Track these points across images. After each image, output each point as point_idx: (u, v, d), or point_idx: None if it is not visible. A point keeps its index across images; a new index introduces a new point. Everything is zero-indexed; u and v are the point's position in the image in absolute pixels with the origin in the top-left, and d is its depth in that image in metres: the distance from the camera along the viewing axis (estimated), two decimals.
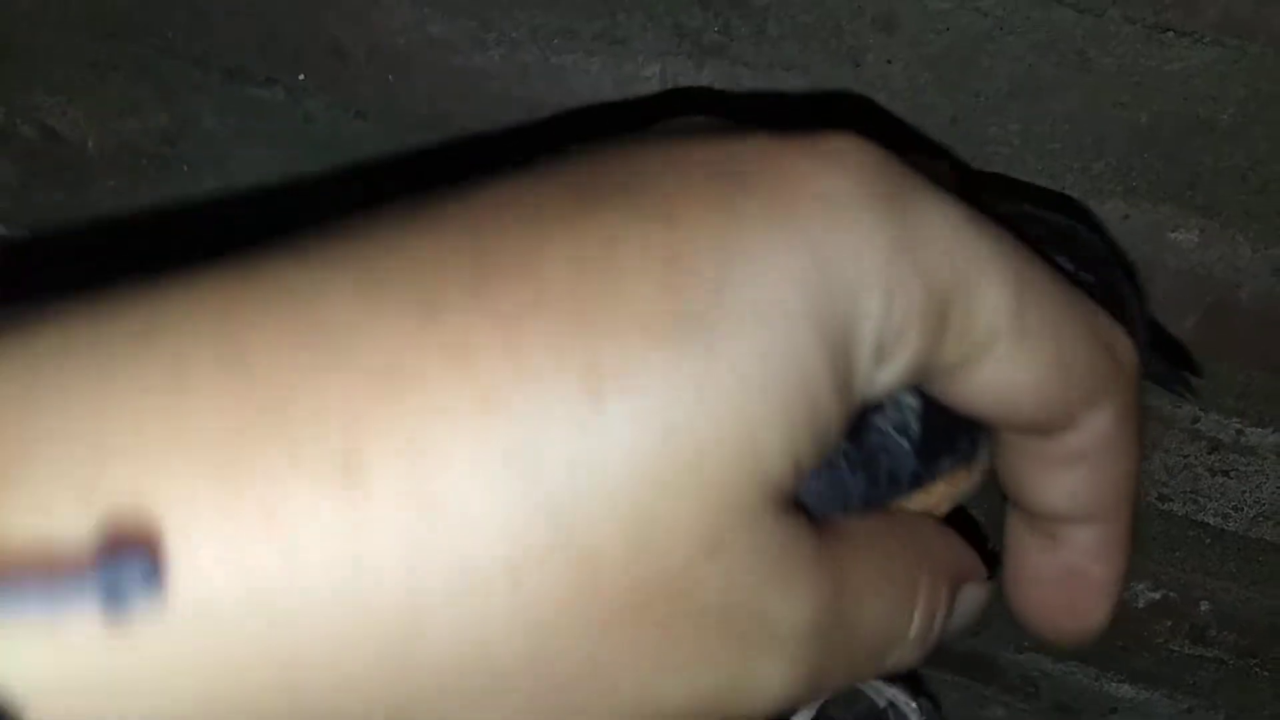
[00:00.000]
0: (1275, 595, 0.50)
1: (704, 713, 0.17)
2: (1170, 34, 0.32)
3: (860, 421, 0.21)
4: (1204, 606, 0.51)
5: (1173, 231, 0.37)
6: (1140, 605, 0.52)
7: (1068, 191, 0.37)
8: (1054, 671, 0.57)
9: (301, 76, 0.40)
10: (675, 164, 0.17)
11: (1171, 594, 0.51)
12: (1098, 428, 0.19)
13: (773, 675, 0.17)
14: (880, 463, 0.21)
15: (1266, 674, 0.53)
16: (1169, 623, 0.52)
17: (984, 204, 0.20)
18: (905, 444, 0.22)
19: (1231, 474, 0.45)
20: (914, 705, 0.38)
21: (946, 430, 0.22)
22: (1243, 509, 0.46)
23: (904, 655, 0.20)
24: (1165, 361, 0.25)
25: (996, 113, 0.36)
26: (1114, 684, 0.57)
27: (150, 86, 0.41)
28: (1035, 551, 0.22)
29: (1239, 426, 0.43)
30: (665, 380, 0.15)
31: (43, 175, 0.44)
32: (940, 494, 0.23)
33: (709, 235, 0.16)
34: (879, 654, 0.19)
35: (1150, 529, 0.48)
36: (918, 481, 0.22)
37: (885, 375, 0.18)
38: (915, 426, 0.22)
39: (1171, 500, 0.47)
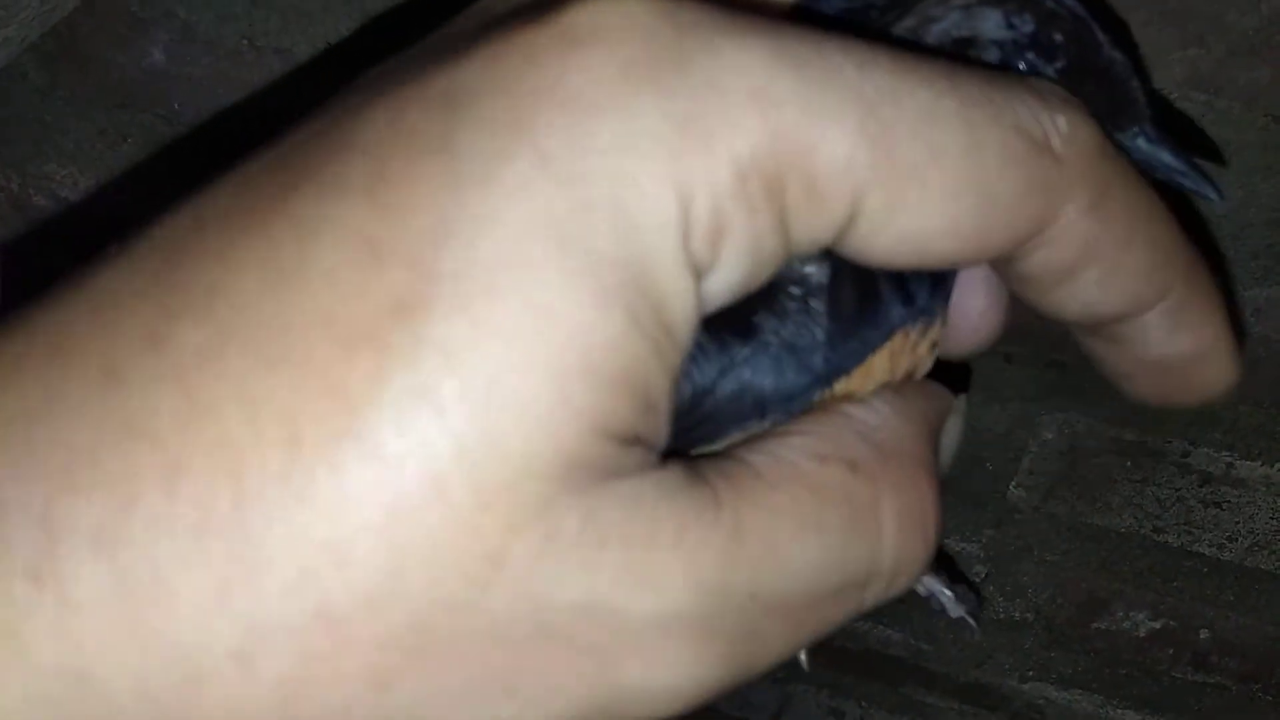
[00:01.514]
0: (1275, 621, 0.50)
1: None
2: None
3: (743, 324, 0.18)
4: (1204, 634, 0.52)
5: None
6: (1141, 634, 0.53)
7: None
8: (1059, 699, 0.58)
9: None
10: (393, 103, 0.14)
11: (1172, 623, 0.52)
12: (1070, 233, 0.16)
13: (665, 672, 0.15)
14: (780, 358, 0.18)
15: (1269, 698, 0.54)
16: (1170, 650, 0.53)
17: None
18: (811, 328, 0.18)
19: (1224, 506, 0.45)
20: (949, 593, 0.32)
21: (866, 297, 0.18)
22: (1237, 539, 0.47)
23: (890, 582, 0.17)
24: (1174, 146, 0.20)
25: None
26: (1119, 711, 0.57)
27: (158, 155, 0.43)
28: (1107, 352, 0.18)
29: (1229, 460, 0.44)
30: (377, 409, 0.13)
31: (55, 242, 0.45)
32: (882, 366, 0.19)
33: (419, 197, 0.13)
34: (839, 600, 0.16)
35: (1146, 560, 0.49)
36: (837, 364, 0.18)
37: (720, 281, 0.15)
38: (820, 306, 0.18)
39: (1166, 532, 0.47)
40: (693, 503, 0.15)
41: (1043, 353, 0.42)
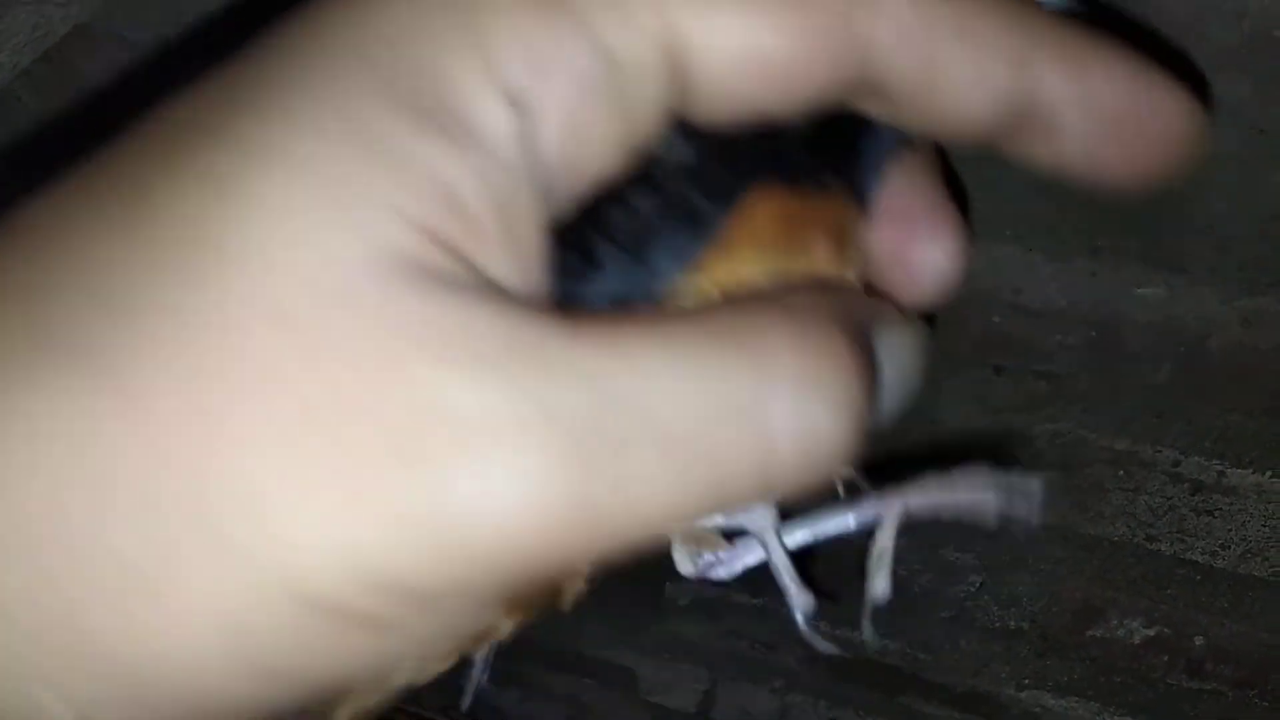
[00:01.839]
0: (1268, 628, 0.50)
1: (441, 547, 0.14)
2: None
3: (621, 205, 0.18)
4: (1198, 641, 0.52)
5: (1139, 288, 0.38)
6: (1136, 642, 0.53)
7: (1034, 251, 0.38)
8: (1055, 707, 0.58)
9: None
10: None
11: (1166, 630, 0.52)
12: (901, 15, 0.16)
13: (503, 478, 0.14)
14: (661, 225, 0.18)
15: (1265, 704, 0.54)
16: (1165, 658, 0.53)
17: None
18: (684, 192, 0.18)
19: (1216, 514, 0.46)
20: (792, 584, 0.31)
21: (731, 157, 0.19)
22: (1230, 547, 0.47)
23: (795, 405, 0.15)
24: None
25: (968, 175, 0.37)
26: (1115, 718, 0.58)
27: None
28: (1061, 148, 0.18)
29: (1220, 468, 0.44)
30: (181, 202, 0.14)
31: None
32: (768, 232, 0.19)
33: (250, 56, 0.16)
34: (729, 426, 0.15)
35: (1140, 568, 0.49)
36: (715, 214, 0.19)
37: (555, 112, 0.15)
38: (692, 179, 0.18)
39: (1159, 540, 0.48)
40: (536, 316, 0.15)
41: (1032, 364, 0.42)
